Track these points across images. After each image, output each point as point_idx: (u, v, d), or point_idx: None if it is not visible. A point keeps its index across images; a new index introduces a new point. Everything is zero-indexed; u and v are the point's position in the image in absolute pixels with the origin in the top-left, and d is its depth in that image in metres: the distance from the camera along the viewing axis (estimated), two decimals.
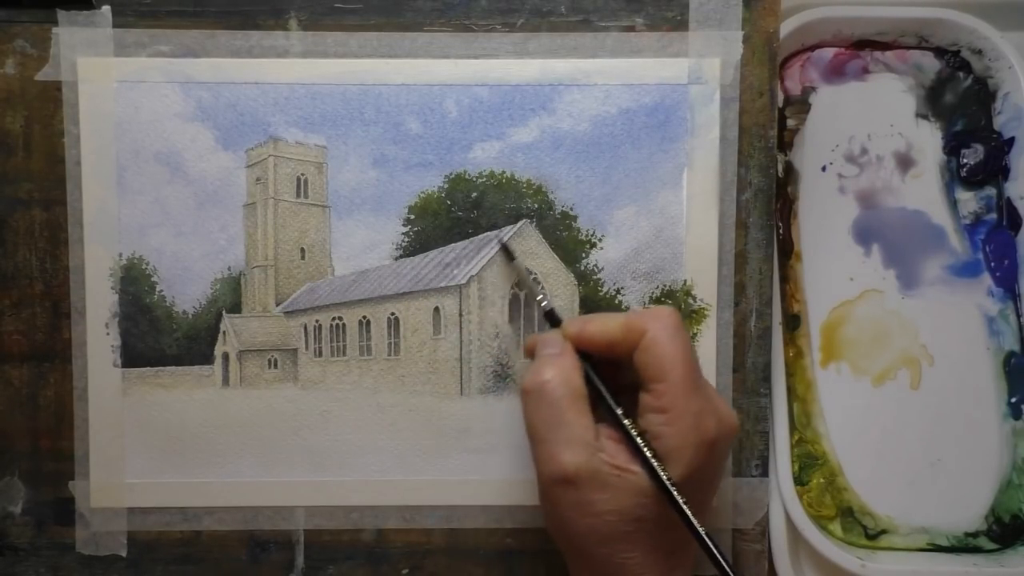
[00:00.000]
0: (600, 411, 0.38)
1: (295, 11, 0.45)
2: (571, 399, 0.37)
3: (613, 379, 0.39)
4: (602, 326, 0.39)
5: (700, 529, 0.35)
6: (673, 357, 0.37)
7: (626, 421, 0.37)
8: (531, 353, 0.40)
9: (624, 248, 0.45)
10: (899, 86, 0.51)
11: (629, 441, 0.37)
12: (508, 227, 0.45)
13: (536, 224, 0.45)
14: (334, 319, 0.47)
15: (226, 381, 0.46)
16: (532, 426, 0.38)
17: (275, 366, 0.46)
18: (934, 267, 0.50)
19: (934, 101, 0.51)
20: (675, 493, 0.35)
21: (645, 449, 0.36)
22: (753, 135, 0.45)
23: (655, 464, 0.36)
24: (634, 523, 0.36)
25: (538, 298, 0.42)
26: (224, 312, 0.46)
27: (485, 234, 0.45)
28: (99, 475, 0.45)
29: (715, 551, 0.35)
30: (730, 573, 0.35)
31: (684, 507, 0.35)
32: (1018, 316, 0.50)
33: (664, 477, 0.35)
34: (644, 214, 0.45)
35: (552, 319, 0.41)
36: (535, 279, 0.44)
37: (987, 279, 0.50)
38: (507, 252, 0.45)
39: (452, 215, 0.45)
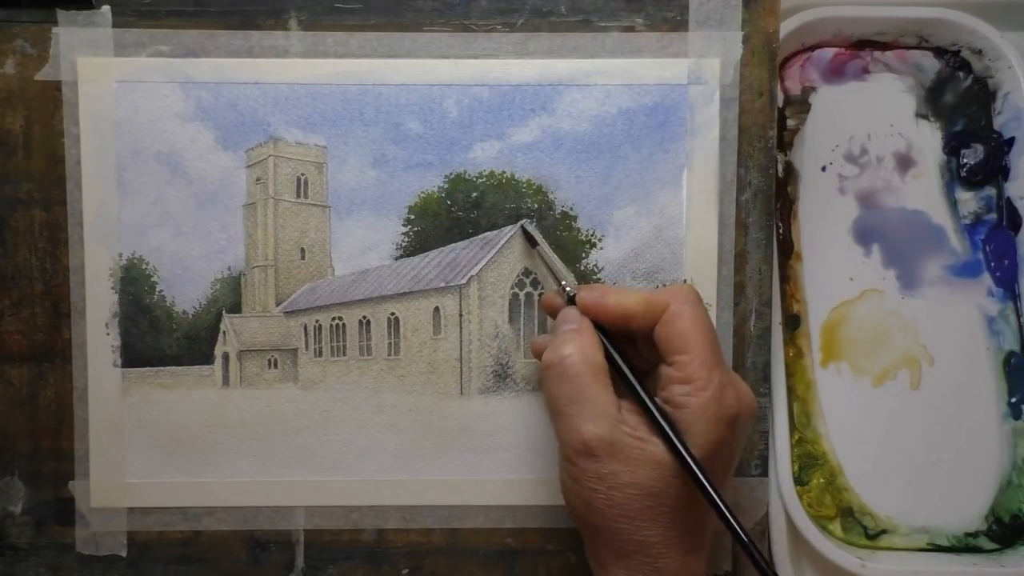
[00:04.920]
0: (620, 387, 0.38)
1: (295, 11, 0.45)
2: (592, 373, 0.37)
3: (627, 358, 0.39)
4: (620, 299, 0.39)
5: (719, 500, 0.35)
6: (697, 329, 0.37)
7: (646, 397, 0.37)
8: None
9: (624, 248, 0.45)
10: (899, 86, 0.51)
11: (649, 414, 0.37)
12: (509, 227, 0.45)
13: (536, 224, 0.45)
14: (334, 319, 0.47)
15: (226, 381, 0.46)
16: (554, 400, 0.38)
17: (275, 366, 0.46)
18: (934, 267, 0.50)
19: (934, 101, 0.51)
20: (693, 464, 0.35)
21: (664, 423, 0.36)
22: (753, 135, 0.45)
23: (672, 436, 0.36)
24: (653, 498, 0.36)
25: (563, 283, 0.42)
26: (224, 312, 0.46)
27: (485, 234, 0.45)
28: (99, 475, 0.45)
29: (733, 523, 0.34)
30: (750, 542, 0.34)
31: (702, 478, 0.35)
32: (1018, 316, 0.50)
33: (683, 448, 0.35)
34: (644, 214, 0.45)
35: (572, 303, 0.41)
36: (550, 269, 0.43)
37: (987, 279, 0.50)
38: (529, 238, 0.44)
39: (452, 215, 0.45)
